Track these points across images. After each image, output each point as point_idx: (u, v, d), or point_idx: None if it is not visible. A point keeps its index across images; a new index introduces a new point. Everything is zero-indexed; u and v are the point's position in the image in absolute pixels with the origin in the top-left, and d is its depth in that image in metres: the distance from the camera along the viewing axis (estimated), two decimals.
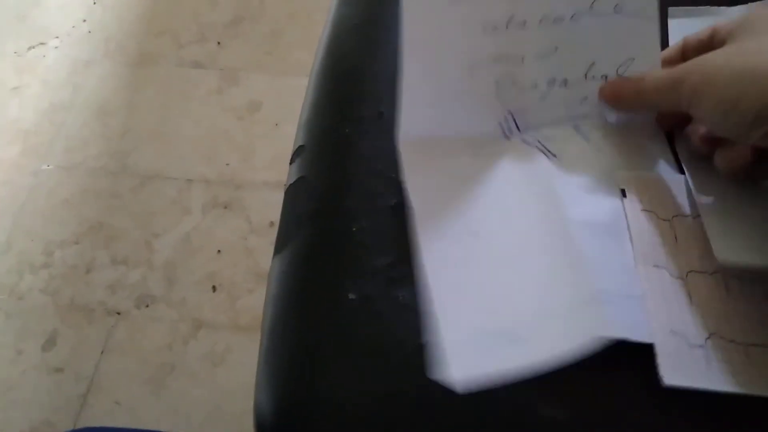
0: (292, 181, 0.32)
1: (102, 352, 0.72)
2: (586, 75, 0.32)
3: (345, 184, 0.31)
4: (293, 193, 0.32)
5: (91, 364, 0.72)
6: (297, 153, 0.33)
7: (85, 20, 1.05)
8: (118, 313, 0.75)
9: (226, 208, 0.81)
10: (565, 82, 0.32)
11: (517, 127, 0.32)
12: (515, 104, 0.32)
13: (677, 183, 0.30)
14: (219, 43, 0.98)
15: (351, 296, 0.27)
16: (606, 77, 0.32)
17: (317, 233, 0.30)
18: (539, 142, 0.32)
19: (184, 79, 0.94)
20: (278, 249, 0.30)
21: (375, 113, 0.33)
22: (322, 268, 0.28)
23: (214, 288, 0.75)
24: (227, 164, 0.85)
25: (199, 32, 0.99)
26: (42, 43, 1.02)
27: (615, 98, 0.31)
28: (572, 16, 0.31)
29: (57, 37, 1.03)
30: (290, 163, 0.33)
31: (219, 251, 0.78)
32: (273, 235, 0.82)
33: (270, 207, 0.80)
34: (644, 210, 0.29)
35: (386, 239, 0.29)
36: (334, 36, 0.37)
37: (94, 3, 1.06)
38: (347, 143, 0.32)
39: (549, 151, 0.32)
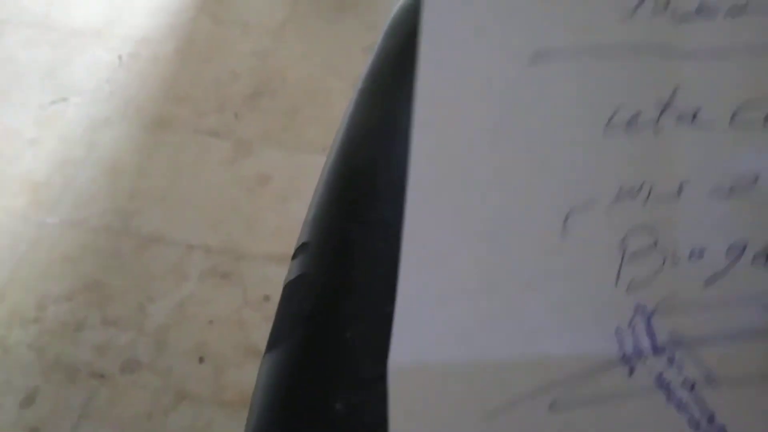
0: (292, 277, 0.33)
1: (80, 416, 0.71)
2: None
3: (344, 287, 0.31)
4: (291, 291, 0.32)
5: (68, 427, 0.70)
6: (300, 249, 0.34)
7: (108, 80, 1.08)
8: (102, 376, 0.74)
9: (223, 277, 0.81)
10: (766, 255, 0.18)
11: (653, 344, 0.17)
12: (652, 290, 0.18)
13: None
14: (236, 114, 1.00)
15: (338, 406, 0.27)
16: None
17: (310, 336, 0.30)
18: (696, 396, 0.16)
19: (198, 147, 0.96)
20: (269, 347, 0.30)
21: (381, 218, 0.34)
22: (311, 374, 0.28)
23: (201, 359, 0.74)
24: (230, 234, 0.86)
25: (218, 102, 1.02)
26: (64, 99, 1.05)
27: None
28: None
29: (79, 95, 1.06)
30: (292, 259, 0.34)
31: (211, 321, 0.77)
32: (267, 309, 0.82)
33: (267, 281, 0.80)
34: None
35: (380, 349, 0.28)
36: (350, 136, 0.38)
37: (120, 65, 1.10)
38: (351, 245, 0.33)
39: (716, 425, 0.16)
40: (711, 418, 0.16)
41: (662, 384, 0.17)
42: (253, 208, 0.89)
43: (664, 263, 0.18)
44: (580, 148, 0.18)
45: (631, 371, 0.17)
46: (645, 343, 0.17)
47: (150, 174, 0.94)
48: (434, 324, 0.19)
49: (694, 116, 0.18)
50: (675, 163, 0.18)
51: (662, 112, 0.18)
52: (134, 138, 0.99)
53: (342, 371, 0.28)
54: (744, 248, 0.17)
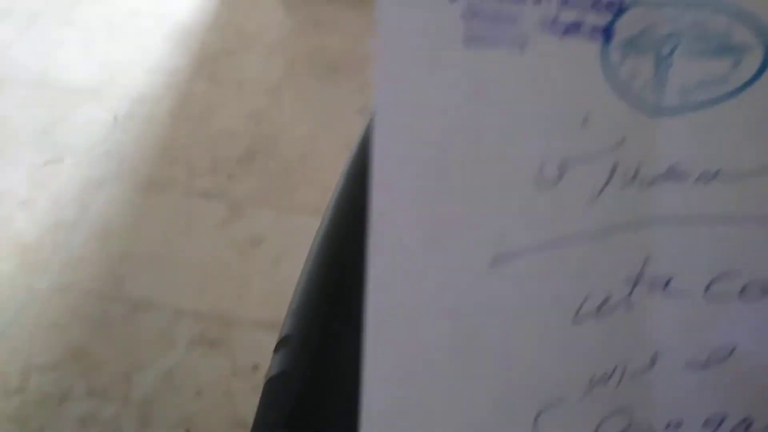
0: (273, 373, 0.31)
1: None
2: None
3: (324, 387, 0.29)
4: (272, 389, 0.30)
5: None
6: (282, 343, 0.32)
7: (103, 141, 1.08)
8: None
9: (212, 345, 0.79)
10: (746, 426, 0.18)
11: None
12: None
13: None
14: (230, 175, 1.00)
15: None
16: None
17: None
18: None
19: (191, 209, 0.96)
20: None
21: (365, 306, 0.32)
22: None
23: None
24: (221, 298, 0.84)
25: (212, 164, 1.02)
26: (59, 159, 1.05)
27: None
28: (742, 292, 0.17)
29: (74, 155, 1.06)
30: (274, 352, 0.32)
31: (198, 392, 0.75)
32: (256, 379, 0.80)
33: (257, 349, 0.78)
34: None
35: None
36: (335, 222, 0.37)
37: (115, 125, 1.10)
38: (334, 340, 0.31)
39: None
40: None
41: None
42: (244, 271, 0.87)
43: None
44: (548, 344, 0.17)
45: None
46: None
47: (142, 236, 0.93)
48: None
49: (666, 285, 0.17)
50: (648, 336, 0.17)
51: (633, 287, 0.17)
52: (127, 199, 0.98)
53: None
54: (722, 420, 0.17)
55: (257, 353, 0.78)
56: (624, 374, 0.17)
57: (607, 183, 0.16)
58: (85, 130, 1.10)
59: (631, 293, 0.17)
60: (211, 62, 1.16)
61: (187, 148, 1.05)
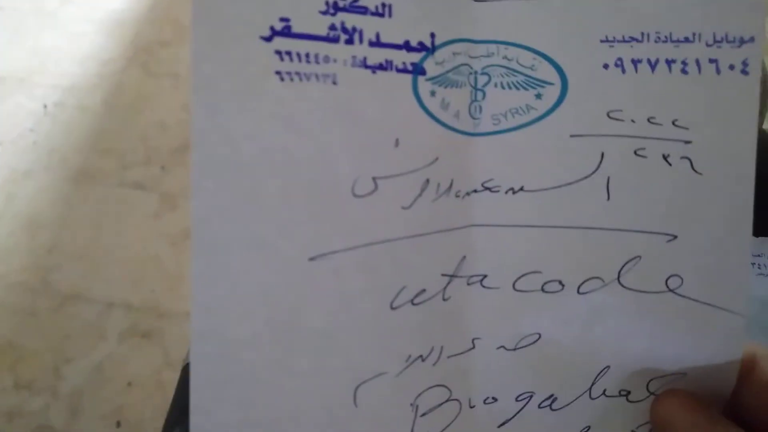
0: (190, 360, 0.33)
1: None
2: (591, 389, 0.20)
3: None
4: (188, 375, 0.32)
5: None
6: None
7: (32, 129, 1.06)
8: None
9: (144, 337, 0.79)
10: (551, 402, 0.20)
11: None
12: None
13: None
14: (163, 167, 1.00)
15: None
16: (628, 393, 0.20)
17: None
18: None
19: (122, 200, 0.95)
20: None
21: None
22: None
23: (118, 423, 0.72)
24: (153, 291, 0.84)
25: (145, 155, 1.01)
26: None
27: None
28: (580, 287, 0.20)
29: (0, 144, 1.03)
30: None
31: (129, 383, 0.75)
32: None
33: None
34: None
35: None
36: None
37: (45, 114, 1.08)
38: None
39: None
40: None
41: None
42: (176, 264, 0.88)
43: (460, 410, 0.20)
44: (365, 327, 0.18)
45: None
46: None
47: (71, 228, 0.92)
48: None
49: (482, 281, 0.20)
50: (466, 323, 0.20)
51: (448, 283, 0.19)
52: (56, 190, 0.97)
53: None
54: (531, 397, 0.20)
55: (189, 345, 0.78)
56: (441, 355, 0.20)
57: (419, 195, 0.19)
58: (13, 119, 1.08)
59: (446, 287, 0.19)
60: (145, 53, 1.15)
61: (120, 140, 1.04)
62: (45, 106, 1.09)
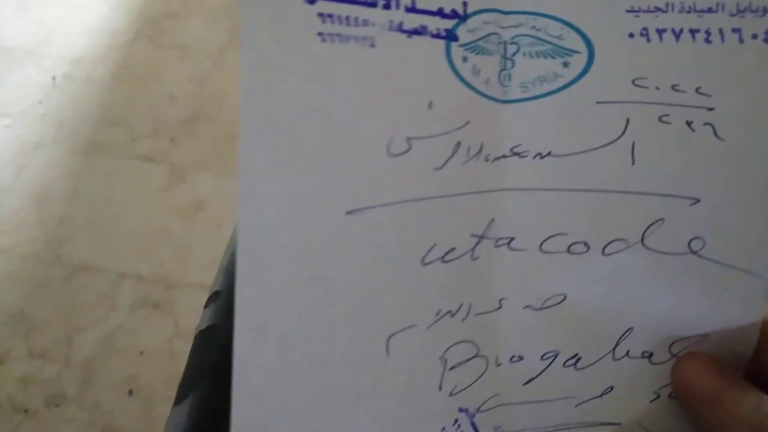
0: (203, 327, 0.33)
1: None
2: (614, 350, 0.21)
3: None
4: (201, 341, 0.32)
5: None
6: (212, 298, 0.34)
7: (41, 102, 1.06)
8: (26, 411, 0.72)
9: (155, 307, 0.80)
10: (576, 361, 0.21)
11: None
12: (476, 392, 0.21)
13: None
14: (172, 139, 1.00)
15: None
16: (651, 355, 0.21)
17: (217, 388, 0.30)
18: None
19: (131, 172, 0.95)
20: (178, 399, 0.31)
21: None
22: (217, 427, 0.29)
23: (131, 392, 0.73)
24: (163, 262, 0.85)
25: (154, 126, 1.01)
26: None
27: (702, 391, 0.19)
28: (605, 248, 0.20)
29: (9, 116, 1.04)
30: (205, 307, 0.34)
31: (141, 353, 0.76)
32: None
33: (200, 310, 0.80)
34: None
35: None
36: None
37: (53, 87, 1.07)
38: None
39: None
40: None
41: None
42: (186, 236, 0.88)
43: (487, 367, 0.21)
44: (399, 282, 0.19)
45: None
46: None
47: (81, 200, 0.92)
48: None
49: (509, 244, 0.20)
50: (494, 283, 0.20)
51: (477, 243, 0.20)
52: (66, 162, 0.97)
53: None
54: (556, 355, 0.21)
55: (200, 315, 0.79)
56: (470, 312, 0.20)
57: (450, 157, 0.19)
58: (22, 92, 1.08)
59: (475, 248, 0.20)
60: (153, 25, 1.14)
61: (128, 111, 1.03)
62: (53, 78, 1.08)
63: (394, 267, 0.19)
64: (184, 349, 0.78)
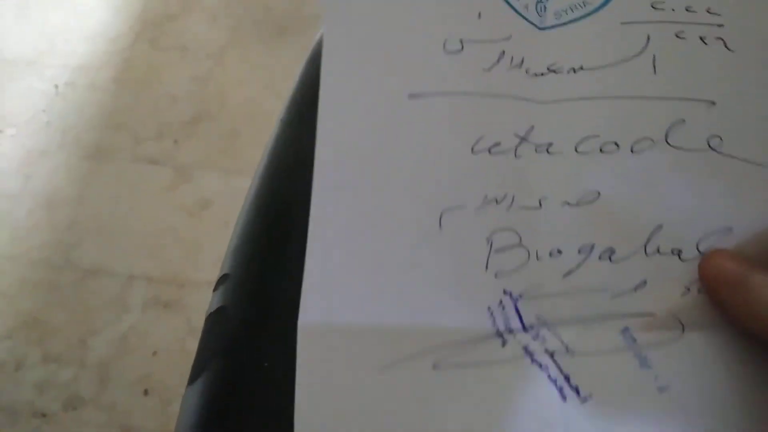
0: (212, 309, 0.33)
1: None
2: (646, 246, 0.22)
3: (262, 318, 0.31)
4: (211, 324, 0.32)
5: None
6: (221, 281, 0.34)
7: (44, 110, 1.06)
8: (44, 415, 0.72)
9: (166, 307, 0.80)
10: (610, 254, 0.22)
11: (521, 323, 0.22)
12: (519, 279, 0.22)
13: None
14: (176, 140, 1.00)
15: None
16: (680, 252, 0.21)
17: (228, 368, 0.30)
18: (553, 358, 0.21)
19: (137, 175, 0.95)
20: (192, 379, 0.31)
21: (299, 249, 0.34)
22: (230, 405, 0.29)
23: (146, 391, 0.73)
24: (172, 262, 0.85)
25: (157, 129, 1.01)
26: None
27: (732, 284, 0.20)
28: (633, 146, 0.22)
29: (14, 126, 1.04)
30: (213, 290, 0.34)
31: (155, 353, 0.76)
32: None
33: None
34: None
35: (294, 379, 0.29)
36: (270, 168, 0.39)
37: (56, 95, 1.08)
38: (269, 276, 0.33)
39: (571, 385, 0.20)
40: (567, 378, 0.21)
41: (528, 352, 0.21)
42: (194, 234, 0.88)
43: (528, 259, 0.22)
44: (451, 164, 0.23)
45: (504, 343, 0.22)
46: (515, 323, 0.22)
47: (89, 205, 0.92)
48: (336, 294, 0.23)
49: (548, 149, 0.23)
50: (535, 183, 0.23)
51: (519, 143, 0.23)
52: (72, 168, 0.97)
53: (259, 400, 0.28)
54: (592, 248, 0.22)
55: None
56: (513, 203, 0.23)
57: (496, 62, 0.23)
58: (25, 101, 1.08)
59: (517, 147, 0.23)
60: (152, 27, 1.15)
61: (132, 115, 1.04)
62: (56, 87, 1.09)
63: (447, 150, 0.23)
64: (196, 347, 0.78)
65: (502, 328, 0.21)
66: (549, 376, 0.21)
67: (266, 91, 1.03)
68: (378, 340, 0.22)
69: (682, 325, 0.21)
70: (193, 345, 0.83)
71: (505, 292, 0.22)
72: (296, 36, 1.11)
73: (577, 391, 0.21)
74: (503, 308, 0.22)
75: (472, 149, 0.23)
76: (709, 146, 0.22)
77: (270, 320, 0.31)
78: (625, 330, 0.21)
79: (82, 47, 1.13)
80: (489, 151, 0.23)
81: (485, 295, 0.22)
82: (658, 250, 0.22)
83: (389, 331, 0.22)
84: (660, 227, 0.22)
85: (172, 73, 1.07)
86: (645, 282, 0.22)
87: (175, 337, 0.77)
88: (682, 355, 0.21)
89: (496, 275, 0.22)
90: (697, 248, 0.22)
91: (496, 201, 0.22)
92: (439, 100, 0.23)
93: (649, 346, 0.21)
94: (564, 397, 0.21)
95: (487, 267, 0.22)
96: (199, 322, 0.85)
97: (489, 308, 0.22)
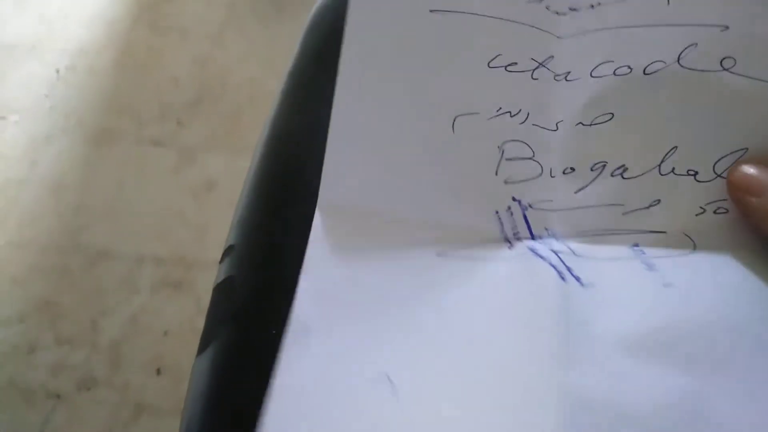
0: (219, 280, 0.33)
1: None
2: (660, 166, 0.22)
3: (268, 286, 0.31)
4: (219, 293, 0.32)
5: None
6: (227, 252, 0.34)
7: (47, 95, 1.06)
8: (58, 396, 0.73)
9: (175, 287, 0.81)
10: (622, 171, 0.23)
11: (530, 232, 0.23)
12: (530, 190, 0.23)
13: None
14: (179, 122, 1.00)
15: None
16: (696, 173, 0.22)
17: (238, 335, 0.30)
18: (558, 255, 0.22)
19: (141, 157, 0.95)
20: (201, 349, 0.31)
21: (303, 215, 0.34)
22: (240, 371, 0.29)
23: (158, 371, 0.74)
24: (180, 242, 0.85)
25: (160, 111, 1.01)
26: (2, 118, 1.03)
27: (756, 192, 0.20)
28: (646, 68, 0.22)
29: (17, 112, 1.04)
30: (220, 262, 0.34)
31: (166, 333, 0.77)
32: None
33: None
34: None
35: None
36: (272, 137, 0.39)
37: (58, 79, 1.08)
38: (275, 244, 0.33)
39: (573, 274, 0.21)
40: (570, 269, 0.22)
41: (533, 250, 0.23)
42: (200, 215, 0.88)
43: (541, 173, 0.23)
44: (468, 73, 0.23)
45: (511, 247, 0.23)
46: (523, 231, 0.23)
47: (95, 188, 0.93)
48: (352, 180, 0.24)
49: (566, 77, 0.23)
50: (552, 107, 0.23)
51: (537, 67, 0.23)
52: (77, 152, 0.97)
53: (268, 366, 0.28)
54: (604, 165, 0.23)
55: None
56: (528, 119, 0.23)
57: None
58: (27, 87, 1.08)
59: (535, 70, 0.23)
60: (150, 10, 1.14)
61: (134, 98, 1.03)
62: (57, 71, 1.09)
63: (464, 61, 0.23)
64: None
65: (509, 234, 0.23)
66: (552, 265, 0.22)
67: (266, 70, 1.02)
68: (387, 224, 0.23)
69: (694, 243, 0.22)
70: (202, 324, 0.83)
71: (514, 199, 0.23)
72: (292, 13, 1.10)
73: (579, 280, 0.22)
74: (511, 214, 0.23)
75: (488, 64, 0.23)
76: (722, 67, 0.22)
77: (276, 288, 0.31)
78: (635, 245, 0.22)
79: (82, 31, 1.12)
80: (505, 68, 0.23)
81: (494, 198, 0.23)
82: (674, 171, 0.22)
83: (399, 219, 0.23)
84: (675, 148, 0.22)
85: (173, 54, 1.07)
86: (659, 201, 0.22)
87: (186, 316, 0.78)
88: (690, 267, 0.21)
89: (505, 181, 0.23)
90: (714, 170, 0.22)
91: (510, 114, 0.23)
92: (458, 17, 0.23)
93: (658, 258, 0.22)
94: (564, 279, 0.22)
95: (497, 173, 0.23)
96: (208, 301, 0.85)
97: (497, 212, 0.23)
